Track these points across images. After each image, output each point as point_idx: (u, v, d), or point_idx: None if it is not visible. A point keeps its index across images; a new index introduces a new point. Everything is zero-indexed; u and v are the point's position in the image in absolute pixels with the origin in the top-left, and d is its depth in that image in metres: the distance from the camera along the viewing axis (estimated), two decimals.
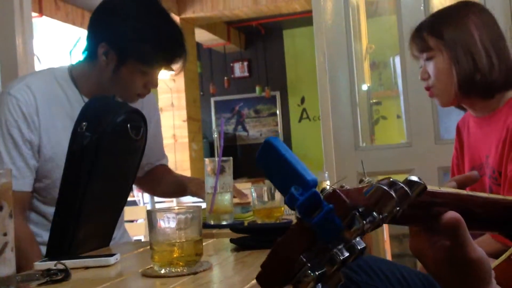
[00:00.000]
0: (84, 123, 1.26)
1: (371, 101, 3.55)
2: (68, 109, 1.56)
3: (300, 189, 0.48)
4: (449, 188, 0.63)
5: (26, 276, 0.98)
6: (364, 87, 3.16)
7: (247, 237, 1.21)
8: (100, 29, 1.57)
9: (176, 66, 1.65)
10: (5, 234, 0.84)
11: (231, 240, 1.22)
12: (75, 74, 1.61)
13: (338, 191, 0.48)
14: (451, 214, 0.57)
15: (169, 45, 1.57)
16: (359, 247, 0.48)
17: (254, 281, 0.89)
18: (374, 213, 0.49)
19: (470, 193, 0.65)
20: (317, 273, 0.47)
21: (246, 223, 1.53)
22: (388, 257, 3.72)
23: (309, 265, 0.47)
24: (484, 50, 1.51)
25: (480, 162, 1.57)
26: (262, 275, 0.49)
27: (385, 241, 3.77)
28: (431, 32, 1.57)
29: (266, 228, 1.33)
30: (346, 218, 0.47)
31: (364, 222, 0.48)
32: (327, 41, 2.71)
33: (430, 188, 0.59)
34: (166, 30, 1.56)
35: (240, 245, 1.19)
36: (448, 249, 0.59)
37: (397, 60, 2.95)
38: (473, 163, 1.61)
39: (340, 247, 0.48)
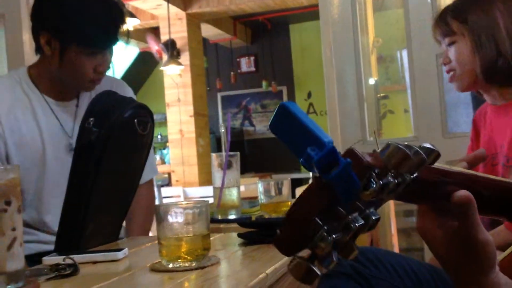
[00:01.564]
0: (91, 119, 1.27)
1: (378, 95, 3.53)
2: (31, 111, 1.56)
3: (316, 149, 0.47)
4: (459, 168, 0.63)
5: (35, 271, 0.98)
6: (371, 81, 3.15)
7: (255, 231, 1.21)
8: (39, 19, 1.55)
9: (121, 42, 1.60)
10: (13, 229, 0.84)
11: (239, 235, 1.22)
12: (33, 74, 1.61)
13: (355, 149, 0.48)
14: (463, 193, 0.57)
15: (108, 24, 1.53)
16: (373, 218, 0.48)
17: (262, 276, 0.90)
18: (389, 177, 0.48)
19: (481, 174, 0.64)
20: (334, 236, 0.46)
21: (253, 218, 1.53)
22: (396, 251, 3.71)
23: (325, 228, 0.47)
24: (508, 37, 1.50)
25: (495, 151, 1.56)
26: (279, 238, 0.49)
27: (392, 235, 3.76)
28: (455, 17, 1.56)
29: (274, 222, 1.33)
30: (363, 177, 0.47)
31: (381, 182, 0.47)
32: (333, 35, 2.70)
33: (441, 166, 0.58)
34: (103, 9, 1.52)
35: (247, 240, 1.19)
36: (455, 230, 0.58)
37: (404, 53, 2.94)
38: (487, 153, 1.60)
39: (355, 215, 0.48)
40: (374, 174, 0.47)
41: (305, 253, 0.48)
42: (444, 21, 1.58)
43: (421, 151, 0.51)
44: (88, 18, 1.49)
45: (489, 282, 0.58)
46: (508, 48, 1.50)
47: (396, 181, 0.49)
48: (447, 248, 0.59)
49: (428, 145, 0.53)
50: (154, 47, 6.39)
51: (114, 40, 1.55)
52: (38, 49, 1.57)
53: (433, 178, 0.57)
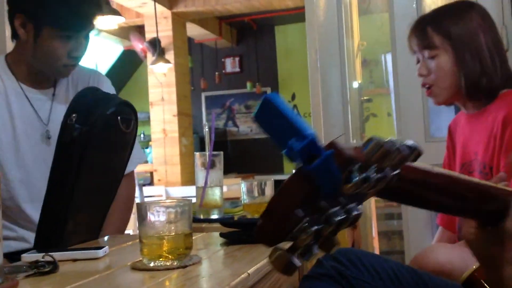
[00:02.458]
0: (73, 115, 1.25)
1: (362, 99, 3.55)
2: (4, 97, 1.56)
3: (298, 140, 0.48)
4: (442, 169, 0.63)
5: (13, 268, 0.97)
6: (355, 84, 3.16)
7: (237, 231, 1.21)
8: (14, 1, 1.54)
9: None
10: None
11: (221, 235, 1.21)
12: (10, 61, 1.60)
13: (337, 142, 0.48)
14: None
15: (82, 7, 1.51)
16: (355, 213, 0.48)
17: (244, 275, 0.89)
18: (371, 171, 0.49)
19: (463, 176, 0.64)
20: (313, 229, 0.46)
21: (236, 218, 1.53)
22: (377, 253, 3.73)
23: (306, 220, 0.47)
24: (489, 54, 1.51)
25: (470, 159, 1.58)
26: (260, 229, 0.49)
27: (373, 238, 3.78)
28: (436, 30, 1.55)
29: (256, 223, 1.33)
30: (344, 170, 0.47)
31: (362, 176, 0.47)
32: (319, 37, 2.71)
33: (424, 167, 0.58)
34: None
35: (229, 240, 1.19)
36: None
37: (389, 57, 2.96)
38: (463, 161, 1.61)
39: (337, 209, 0.48)
40: (355, 167, 0.47)
41: (286, 244, 0.48)
42: (423, 33, 1.57)
43: (403, 147, 0.51)
44: (62, 1, 1.48)
45: None
46: (490, 65, 1.51)
47: (377, 176, 0.49)
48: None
49: (410, 142, 0.54)
50: (138, 45, 6.36)
51: (88, 25, 1.54)
52: (14, 35, 1.56)
53: (415, 177, 0.57)
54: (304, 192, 0.47)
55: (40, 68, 1.57)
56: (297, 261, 0.48)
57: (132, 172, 1.78)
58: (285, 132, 0.48)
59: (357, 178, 0.47)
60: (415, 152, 0.54)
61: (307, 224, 0.47)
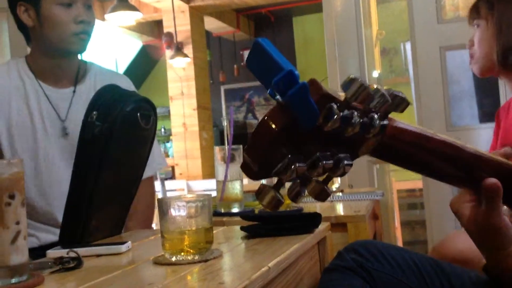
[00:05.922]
0: (94, 112, 1.27)
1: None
2: (24, 98, 1.59)
3: (279, 76, 0.49)
4: (443, 135, 0.61)
5: (39, 264, 0.99)
6: (375, 73, 3.14)
7: (258, 225, 1.21)
8: None
9: None
10: (17, 223, 0.85)
11: (242, 228, 1.22)
12: (30, 61, 1.64)
13: (317, 80, 0.49)
14: (494, 181, 0.62)
15: None
16: (345, 162, 0.48)
17: (265, 269, 0.90)
18: (353, 113, 0.49)
19: (469, 148, 0.62)
20: (296, 166, 0.47)
21: (256, 211, 1.53)
22: (399, 244, 3.72)
23: (289, 156, 0.47)
24: None
25: None
26: (245, 163, 0.50)
27: (396, 228, 3.76)
28: (484, 1, 1.62)
29: (277, 216, 1.33)
30: (323, 107, 0.48)
31: (341, 114, 0.48)
32: (337, 27, 2.70)
33: (422, 130, 0.58)
34: None
35: (250, 233, 1.20)
36: (478, 212, 0.65)
37: (408, 46, 2.93)
38: (505, 142, 1.62)
39: (325, 153, 0.48)
40: (335, 106, 0.47)
41: (272, 181, 0.49)
42: (476, 5, 1.65)
43: (386, 94, 0.51)
44: None
45: (508, 253, 0.66)
46: None
47: (361, 120, 0.49)
48: (470, 225, 0.67)
49: (398, 93, 0.53)
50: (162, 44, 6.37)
51: None
52: (22, 28, 1.61)
53: (410, 140, 0.56)
54: (282, 123, 0.48)
55: (54, 49, 1.59)
56: (280, 196, 0.49)
57: (151, 177, 1.77)
58: (271, 73, 0.50)
59: (336, 116, 0.47)
60: (403, 104, 0.53)
61: (289, 161, 0.47)
